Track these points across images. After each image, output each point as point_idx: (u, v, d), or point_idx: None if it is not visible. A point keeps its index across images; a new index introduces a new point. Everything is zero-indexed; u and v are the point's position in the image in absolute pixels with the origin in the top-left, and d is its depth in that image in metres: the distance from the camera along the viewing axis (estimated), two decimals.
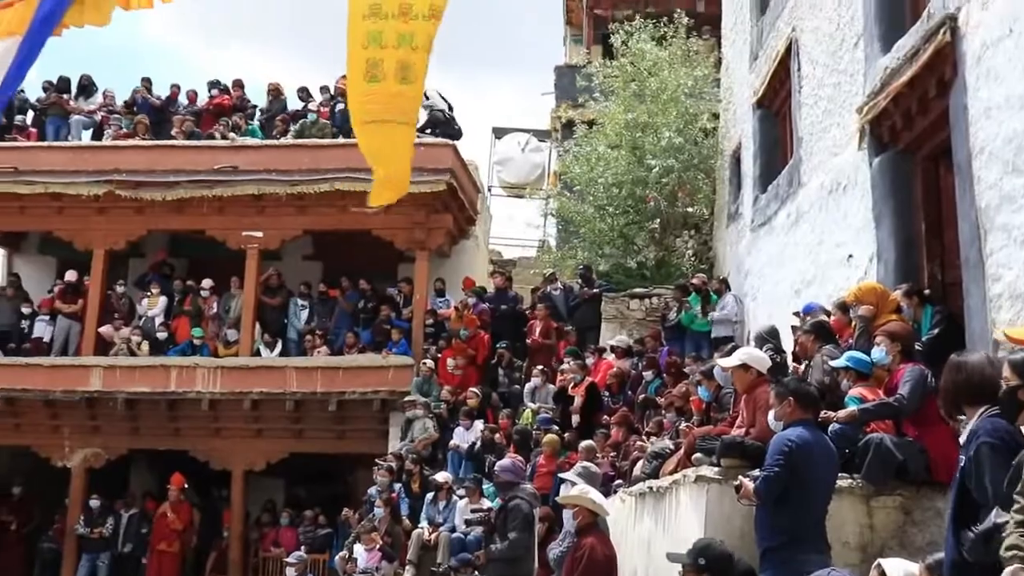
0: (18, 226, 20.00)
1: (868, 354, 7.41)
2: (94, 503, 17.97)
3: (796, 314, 9.56)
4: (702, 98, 18.39)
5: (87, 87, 20.22)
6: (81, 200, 18.58)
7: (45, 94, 20.03)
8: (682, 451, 8.44)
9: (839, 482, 6.46)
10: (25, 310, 19.37)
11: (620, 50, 19.24)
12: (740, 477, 6.32)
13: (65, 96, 20.10)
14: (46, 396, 18.33)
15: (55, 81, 20.06)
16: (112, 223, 18.92)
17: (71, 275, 19.28)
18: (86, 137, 19.81)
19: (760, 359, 7.53)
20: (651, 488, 8.98)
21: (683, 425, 10.18)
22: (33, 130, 19.75)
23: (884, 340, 7.32)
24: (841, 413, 6.89)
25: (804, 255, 11.81)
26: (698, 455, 7.63)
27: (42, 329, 19.10)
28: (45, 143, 19.36)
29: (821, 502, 6.05)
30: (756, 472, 6.21)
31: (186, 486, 17.66)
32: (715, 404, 9.65)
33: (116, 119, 19.57)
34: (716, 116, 18.11)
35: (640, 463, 10.01)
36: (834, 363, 7.49)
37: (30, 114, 20.11)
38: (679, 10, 20.08)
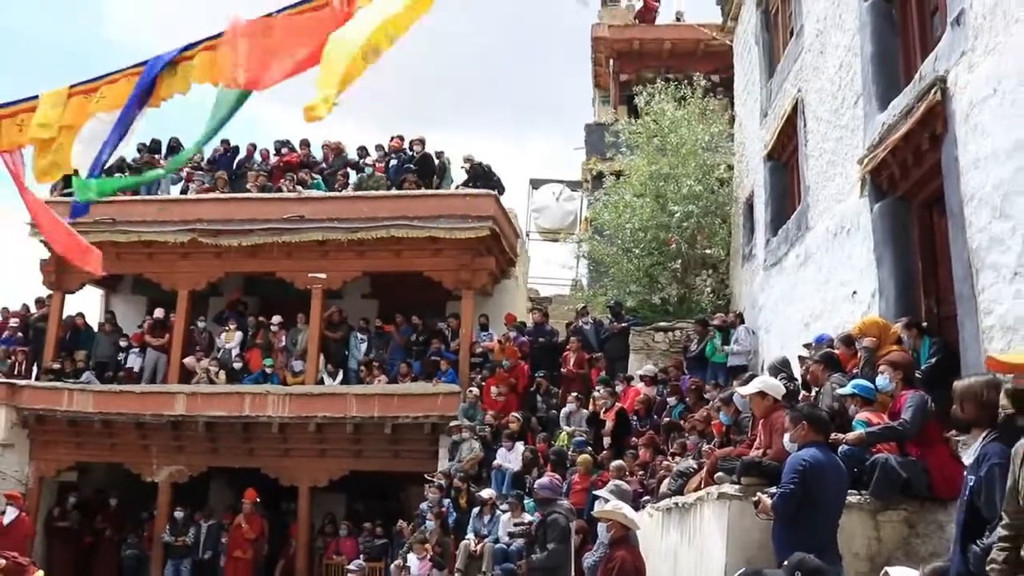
0: (115, 270, 20.16)
1: (873, 382, 7.34)
2: (178, 514, 18.02)
3: (806, 345, 9.49)
4: (718, 151, 18.36)
5: (175, 148, 20.50)
6: (168, 247, 18.84)
7: (139, 155, 20.25)
8: (705, 470, 8.38)
9: (849, 498, 6.40)
10: (122, 343, 19.57)
11: (643, 109, 19.30)
12: (759, 494, 6.26)
13: (156, 156, 20.33)
14: (137, 419, 18.46)
15: (148, 143, 20.32)
16: (195, 266, 19.11)
17: (159, 312, 19.48)
18: (174, 191, 20.00)
19: (775, 387, 7.48)
20: (677, 504, 8.91)
21: (705, 447, 10.09)
22: None
23: (887, 369, 7.25)
24: (850, 436, 6.82)
25: (812, 292, 11.72)
26: (720, 474, 7.57)
27: (134, 360, 19.28)
28: (138, 197, 19.54)
29: (833, 516, 5.99)
30: (773, 489, 6.15)
31: (258, 500, 17.66)
32: (734, 427, 9.55)
33: (199, 175, 19.81)
34: (731, 167, 18.05)
35: (666, 481, 9.94)
36: (842, 391, 7.43)
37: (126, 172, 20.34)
38: (697, 73, 20.15)
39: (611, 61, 25.10)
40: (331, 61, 4.20)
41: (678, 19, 25.23)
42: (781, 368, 9.10)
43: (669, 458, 11.37)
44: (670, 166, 17.93)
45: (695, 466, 9.34)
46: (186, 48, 5.58)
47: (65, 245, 6.60)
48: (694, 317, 16.17)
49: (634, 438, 13.40)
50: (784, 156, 14.18)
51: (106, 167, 6.54)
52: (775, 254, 13.70)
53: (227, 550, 17.51)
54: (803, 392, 8.74)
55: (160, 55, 5.70)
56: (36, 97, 6.07)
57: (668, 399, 13.96)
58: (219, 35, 5.47)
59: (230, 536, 17.53)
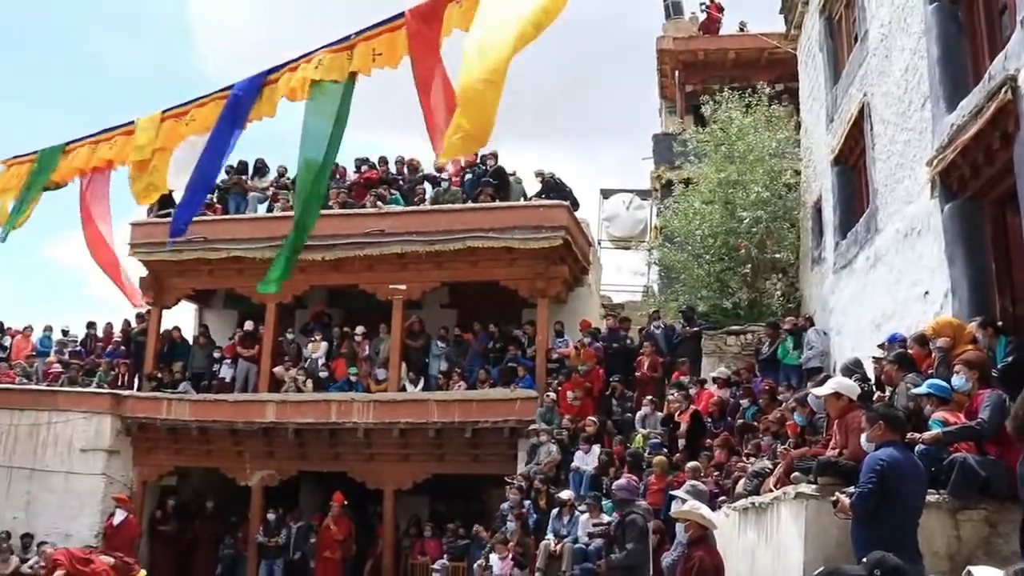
0: (207, 285, 20.68)
1: (948, 381, 7.14)
2: (271, 516, 18.27)
3: (880, 346, 9.27)
4: (784, 157, 18.08)
5: (261, 168, 20.82)
6: (256, 262, 19.02)
7: (227, 176, 20.57)
8: (780, 470, 8.24)
9: (928, 497, 6.21)
10: (215, 355, 19.95)
11: (710, 118, 19.12)
12: (837, 493, 6.11)
13: (243, 177, 20.68)
14: (231, 426, 18.78)
15: (235, 165, 20.70)
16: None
17: (249, 325, 19.77)
18: (261, 210, 20.28)
19: (851, 387, 7.32)
20: (753, 504, 8.77)
21: (780, 447, 9.91)
22: (219, 206, 20.30)
23: (963, 368, 7.05)
24: (927, 435, 6.64)
25: (883, 293, 11.46)
26: (796, 474, 7.43)
27: (226, 371, 19.59)
28: (228, 216, 19.95)
29: (912, 515, 5.81)
30: (851, 489, 6.00)
31: (345, 503, 17.81)
32: (809, 428, 9.37)
33: (284, 194, 20.09)
34: (798, 173, 17.76)
35: (742, 482, 9.80)
36: (917, 390, 7.24)
37: (216, 193, 20.75)
38: (761, 82, 19.90)
39: (676, 72, 24.91)
40: (469, 102, 4.18)
41: (741, 29, 24.93)
42: (854, 369, 8.89)
43: (744, 459, 11.20)
44: (738, 173, 17.70)
45: (770, 466, 9.19)
46: (271, 71, 5.70)
47: (113, 275, 6.89)
48: (765, 320, 15.93)
49: (708, 439, 13.25)
50: (851, 160, 13.92)
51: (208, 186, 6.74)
52: (844, 256, 13.44)
53: (316, 550, 17.64)
54: (877, 392, 8.54)
55: (246, 79, 5.83)
56: (132, 123, 6.28)
57: (741, 401, 13.76)
58: (300, 58, 5.59)
59: (319, 537, 17.66)
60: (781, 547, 7.48)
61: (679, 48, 24.49)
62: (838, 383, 7.42)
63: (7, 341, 21.26)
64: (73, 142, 6.49)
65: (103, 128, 6.39)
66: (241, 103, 5.80)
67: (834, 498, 6.09)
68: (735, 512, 9.66)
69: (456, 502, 19.65)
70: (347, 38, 5.34)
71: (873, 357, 9.83)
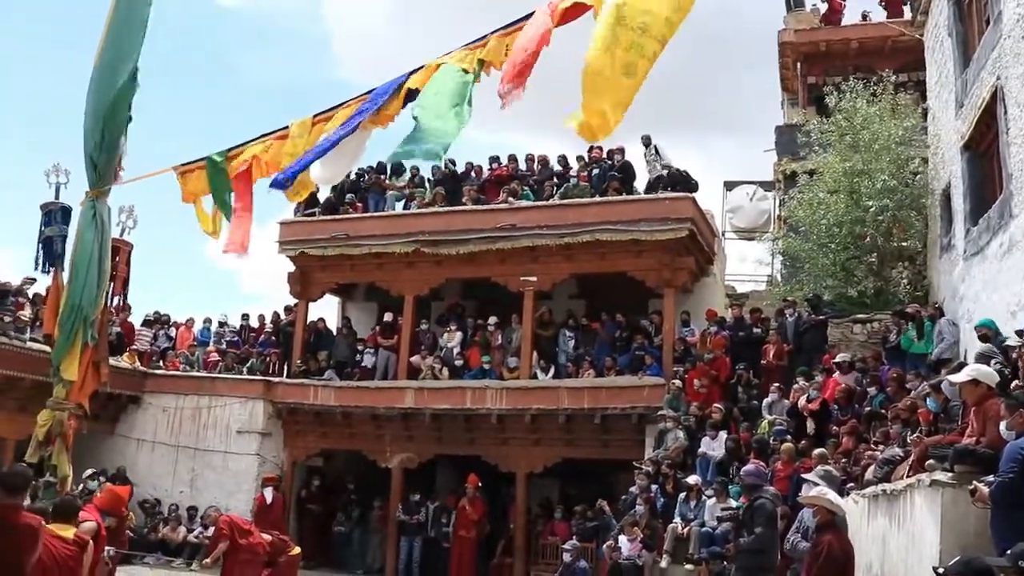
0: (349, 279, 21.20)
1: None
2: (412, 496, 18.63)
3: (1019, 332, 8.80)
4: (911, 145, 17.41)
5: (397, 169, 21.23)
6: (395, 257, 19.55)
7: (367, 176, 21.14)
8: (913, 458, 7.94)
9: None
10: (358, 345, 20.47)
11: (834, 108, 18.54)
12: (975, 482, 5.86)
13: (382, 177, 21.09)
14: (372, 412, 19.22)
15: (375, 165, 21.12)
16: (418, 274, 19.70)
17: (388, 316, 20.21)
18: (398, 207, 20.67)
19: (989, 374, 6.99)
20: (884, 491, 8.50)
21: (912, 435, 9.56)
22: (359, 204, 20.77)
23: None
24: None
25: (1018, 279, 10.90)
26: (931, 461, 7.16)
27: (367, 360, 20.06)
28: (367, 215, 20.38)
29: None
30: (990, 478, 5.74)
31: (479, 484, 18.04)
32: (943, 415, 9.00)
33: (420, 192, 20.45)
34: (924, 160, 17.05)
35: (871, 469, 9.52)
36: None
37: (357, 193, 21.21)
38: (886, 70, 19.19)
39: (798, 64, 24.25)
40: (597, 86, 4.21)
41: (864, 18, 24.08)
42: (991, 355, 8.48)
43: (872, 446, 10.86)
44: (863, 162, 17.17)
45: (901, 454, 8.88)
46: (411, 74, 5.85)
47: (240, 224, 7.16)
48: (892, 309, 15.39)
49: (834, 426, 12.92)
50: (983, 146, 13.28)
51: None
52: (976, 243, 12.84)
53: (453, 529, 17.91)
54: (1015, 380, 8.13)
55: (387, 83, 6.00)
56: (287, 127, 6.55)
57: (868, 389, 13.35)
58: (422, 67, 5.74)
59: (456, 517, 17.91)
60: (915, 534, 7.22)
61: (801, 40, 23.82)
62: (976, 370, 7.11)
63: (172, 332, 22.33)
64: (234, 148, 6.82)
65: (260, 134, 6.73)
66: (372, 106, 6.01)
67: (972, 487, 5.84)
68: (864, 499, 9.40)
69: (585, 485, 19.63)
70: (483, 37, 5.44)
71: (1007, 345, 9.36)
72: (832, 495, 7.85)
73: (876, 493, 8.85)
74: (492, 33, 5.37)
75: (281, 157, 6.42)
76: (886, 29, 21.92)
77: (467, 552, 17.83)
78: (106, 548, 7.73)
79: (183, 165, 7.30)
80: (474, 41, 5.49)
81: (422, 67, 5.68)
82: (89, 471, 17.74)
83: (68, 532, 6.51)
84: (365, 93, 6.07)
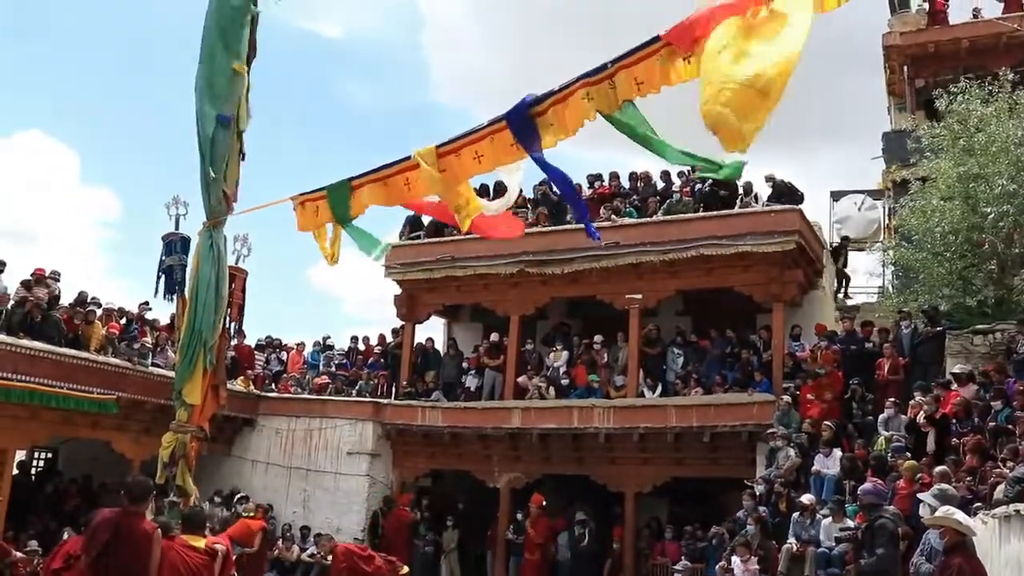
0: (455, 300, 21.54)
1: None
2: (519, 516, 18.70)
3: None
4: None
5: (500, 189, 21.40)
6: (500, 278, 19.80)
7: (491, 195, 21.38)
8: None
9: None
10: (464, 366, 20.75)
11: (945, 111, 18.08)
12: None
13: (485, 199, 21.30)
14: (480, 432, 19.43)
15: (477, 188, 21.32)
16: (523, 294, 19.89)
17: (494, 337, 20.41)
18: None
19: None
20: (1018, 511, 8.25)
21: None
22: None
23: None
24: None
25: None
26: None
27: (474, 380, 20.33)
28: (472, 236, 20.51)
29: None
30: None
31: (544, 503, 17.92)
32: None
33: (523, 212, 20.63)
34: None
35: (1001, 487, 9.23)
36: None
37: None
38: (1002, 68, 18.65)
39: (905, 67, 23.80)
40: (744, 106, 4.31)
41: (975, 16, 23.43)
42: None
43: (1000, 464, 10.52)
44: (979, 166, 16.67)
45: None
46: (534, 103, 6.00)
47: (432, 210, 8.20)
48: (1016, 318, 14.88)
49: (955, 441, 12.55)
50: None
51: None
52: None
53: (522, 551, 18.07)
54: None
55: (512, 113, 6.15)
56: (409, 157, 6.81)
57: (992, 403, 12.92)
58: (561, 90, 5.86)
59: (525, 539, 17.97)
60: None
61: (907, 42, 23.40)
62: None
63: (284, 356, 23.05)
64: (357, 177, 7.12)
65: (382, 164, 7.02)
66: (526, 135, 6.16)
67: None
68: (995, 520, 9.10)
69: (695, 505, 19.47)
70: (604, 67, 5.56)
71: None
72: (960, 515, 7.65)
73: (1008, 514, 8.58)
74: (615, 65, 5.49)
75: (422, 188, 6.76)
76: (998, 26, 21.36)
77: (532, 574, 17.94)
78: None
79: (303, 195, 7.52)
80: (595, 72, 5.62)
81: (547, 97, 5.85)
82: (240, 494, 18.88)
83: (199, 542, 6.94)
84: (490, 123, 6.25)
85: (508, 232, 8.51)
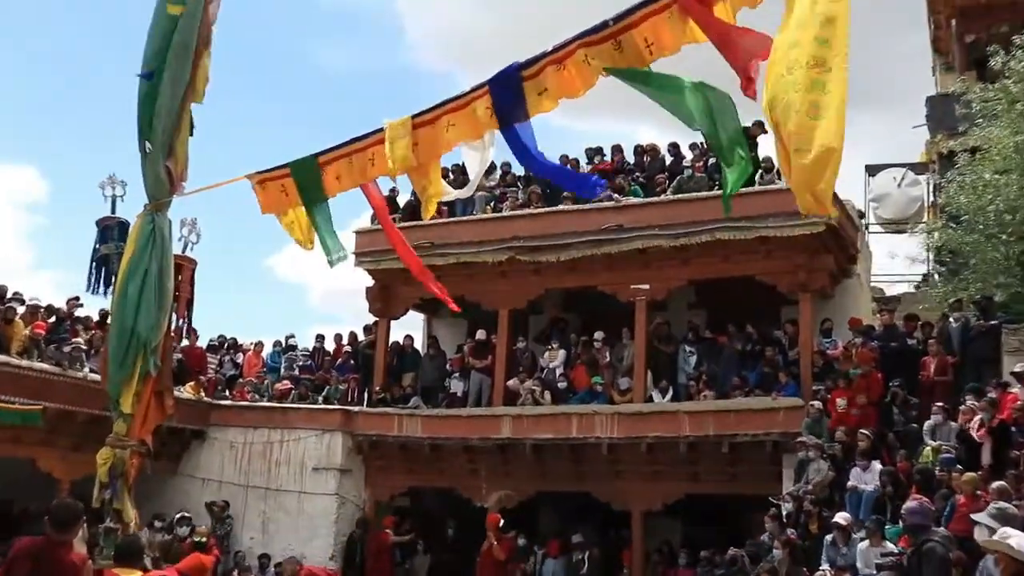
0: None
1: None
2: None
3: None
4: None
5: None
6: (487, 266, 19.60)
7: (451, 175, 21.10)
8: None
9: None
10: (448, 368, 20.53)
11: (1001, 71, 17.89)
12: None
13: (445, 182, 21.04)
14: (464, 443, 19.24)
15: (460, 165, 21.06)
16: (514, 285, 19.74)
17: (481, 334, 20.19)
18: (488, 210, 20.72)
19: None
20: None
21: None
22: (444, 208, 20.82)
23: None
24: None
25: None
26: None
27: (458, 384, 20.13)
28: (454, 219, 20.48)
29: None
30: None
31: (501, 523, 17.39)
32: None
33: (512, 192, 20.41)
34: None
35: None
36: None
37: None
38: None
39: (953, 21, 23.61)
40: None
41: None
42: None
43: None
44: None
45: None
46: (523, 67, 5.81)
47: (418, 271, 8.13)
48: None
49: (1015, 452, 12.29)
50: None
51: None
52: None
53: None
54: None
55: (498, 77, 5.94)
56: (381, 130, 6.54)
57: None
58: (554, 52, 5.66)
59: (480, 560, 17.46)
60: None
61: None
62: None
63: (239, 358, 22.73)
64: (323, 153, 6.93)
65: (352, 138, 6.79)
66: (508, 102, 6.06)
67: None
68: None
69: (712, 526, 19.21)
70: (605, 24, 5.44)
71: None
72: (1016, 539, 7.31)
73: None
74: (616, 24, 5.38)
75: (380, 167, 6.56)
76: None
77: None
78: None
79: (260, 173, 7.32)
80: (594, 31, 5.57)
81: (539, 59, 5.76)
82: (179, 513, 18.25)
83: (134, 575, 6.68)
84: (473, 89, 6.15)
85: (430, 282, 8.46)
